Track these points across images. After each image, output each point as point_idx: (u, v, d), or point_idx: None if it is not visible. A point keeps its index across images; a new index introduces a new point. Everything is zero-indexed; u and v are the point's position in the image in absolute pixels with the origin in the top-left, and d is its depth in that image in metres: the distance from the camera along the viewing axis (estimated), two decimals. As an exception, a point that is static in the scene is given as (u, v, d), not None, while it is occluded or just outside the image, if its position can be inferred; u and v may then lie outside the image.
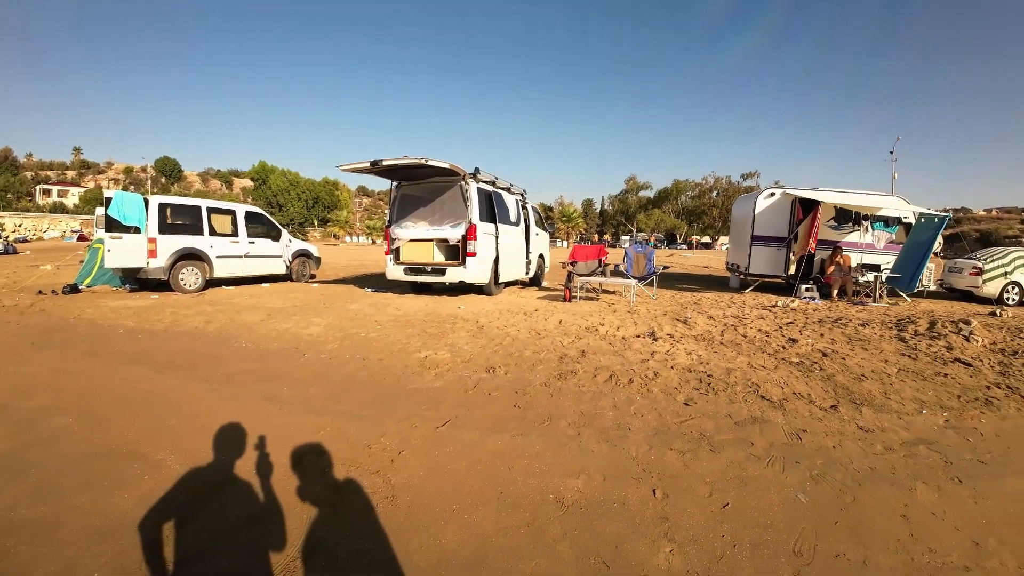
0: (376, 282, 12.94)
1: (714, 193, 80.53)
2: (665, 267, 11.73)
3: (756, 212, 12.49)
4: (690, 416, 3.84)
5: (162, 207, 10.14)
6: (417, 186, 10.38)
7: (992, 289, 12.00)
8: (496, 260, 10.12)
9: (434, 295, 10.31)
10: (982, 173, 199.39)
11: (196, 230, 10.61)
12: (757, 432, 3.59)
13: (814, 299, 10.72)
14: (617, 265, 11.81)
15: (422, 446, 3.25)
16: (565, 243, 69.90)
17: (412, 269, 9.99)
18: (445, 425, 3.58)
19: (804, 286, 11.04)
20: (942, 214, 11.69)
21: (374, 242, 69.29)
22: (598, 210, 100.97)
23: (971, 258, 13.14)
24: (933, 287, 13.42)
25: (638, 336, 6.41)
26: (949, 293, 13.39)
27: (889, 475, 3.09)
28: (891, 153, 22.95)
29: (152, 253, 9.85)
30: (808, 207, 11.65)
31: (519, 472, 2.93)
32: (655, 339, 6.20)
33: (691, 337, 6.44)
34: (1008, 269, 12.01)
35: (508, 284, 11.90)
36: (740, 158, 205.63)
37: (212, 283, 11.05)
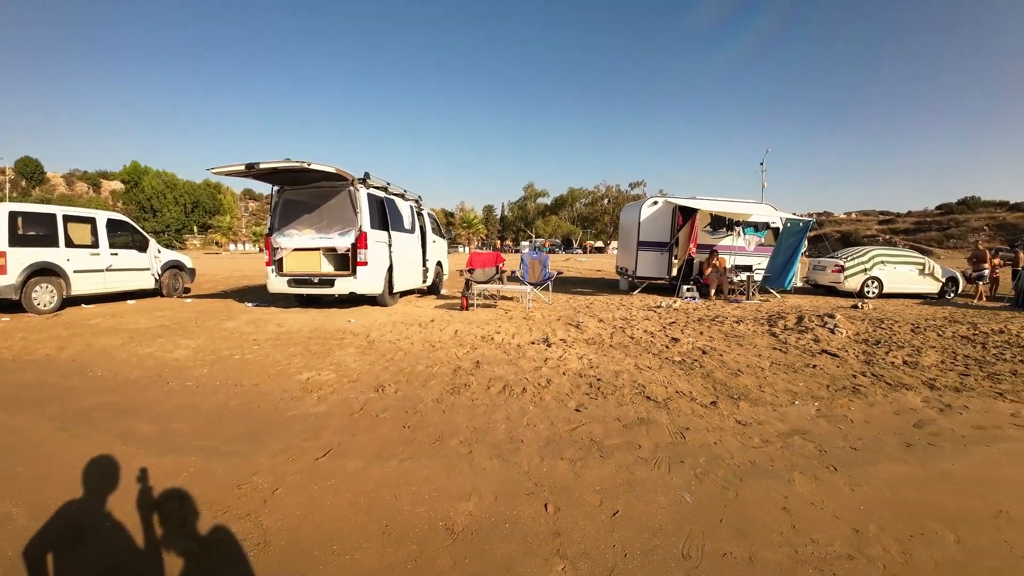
0: (258, 296, 12.06)
1: (605, 201, 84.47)
2: (559, 272, 12.02)
3: (641, 219, 13.19)
4: (581, 422, 3.88)
5: (12, 216, 8.74)
6: (301, 191, 9.77)
7: (853, 284, 13.61)
8: (390, 269, 9.78)
9: (323, 308, 9.76)
10: (842, 179, 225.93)
11: (51, 241, 9.24)
12: (644, 433, 3.71)
13: (694, 299, 11.53)
14: (514, 271, 11.91)
15: (299, 481, 3.00)
16: (467, 249, 70.02)
17: (297, 281, 9.38)
18: (326, 455, 3.34)
19: (685, 287, 11.89)
20: (806, 219, 13.05)
21: (261, 250, 65.21)
22: (499, 216, 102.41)
23: (833, 257, 14.86)
24: (800, 284, 14.83)
25: (533, 343, 6.47)
26: (814, 289, 14.89)
27: (768, 468, 3.27)
28: (761, 164, 25.22)
29: (1, 269, 8.50)
30: (687, 214, 12.51)
31: (407, 501, 2.77)
32: (549, 345, 6.29)
33: (583, 341, 6.61)
34: (867, 266, 13.69)
35: (404, 293, 11.58)
36: (629, 167, 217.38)
37: (70, 301, 9.71)
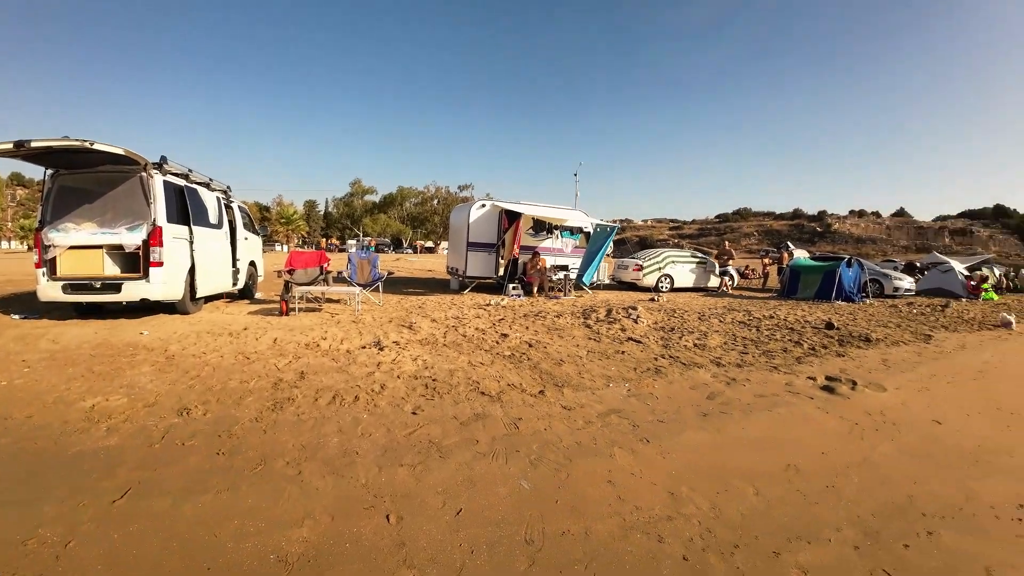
0: (27, 305, 9.75)
1: (435, 201, 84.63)
2: (390, 272, 11.74)
3: (470, 221, 13.52)
4: (419, 425, 3.85)
5: None
6: (81, 176, 8.08)
7: (650, 280, 15.78)
8: (191, 270, 8.52)
9: (109, 319, 8.19)
10: (640, 189, 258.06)
11: None
12: (481, 428, 3.81)
13: (519, 296, 12.17)
14: (340, 272, 11.35)
15: (96, 530, 2.51)
16: (285, 248, 64.72)
17: (75, 286, 7.71)
18: (125, 496, 2.83)
19: (511, 286, 12.53)
20: (612, 224, 14.71)
21: (30, 248, 53.38)
22: (322, 212, 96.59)
23: (634, 257, 17.07)
24: (607, 280, 16.50)
25: (364, 347, 6.23)
26: (619, 285, 16.69)
27: (592, 446, 3.58)
28: (575, 175, 27.26)
29: None
30: (512, 218, 13.15)
31: (229, 537, 2.47)
32: (381, 348, 6.11)
33: (416, 342, 6.56)
34: (661, 265, 16.05)
35: (211, 298, 10.29)
36: (458, 169, 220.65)
37: None
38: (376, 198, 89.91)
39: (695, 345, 7.03)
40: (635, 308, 9.14)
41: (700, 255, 18.03)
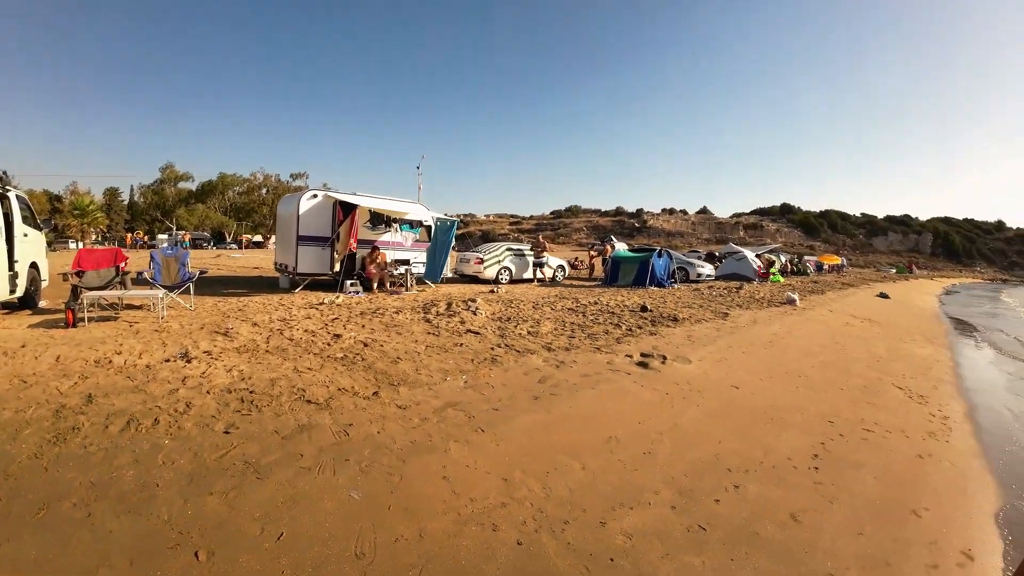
0: None
1: (263, 190, 77.43)
2: (203, 271, 10.43)
3: (300, 212, 12.56)
4: (232, 445, 3.41)
5: None
6: None
7: (491, 273, 16.20)
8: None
9: None
10: (483, 185, 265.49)
11: None
12: (306, 440, 3.50)
13: (358, 292, 11.64)
14: (142, 272, 9.86)
15: None
16: (82, 244, 54.53)
17: None
18: None
19: (349, 282, 11.90)
20: (453, 219, 14.70)
21: None
22: (126, 202, 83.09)
23: (475, 251, 17.35)
24: (450, 274, 16.54)
25: (168, 360, 5.37)
26: (462, 278, 16.84)
27: (427, 443, 3.49)
28: (418, 168, 26.88)
29: None
30: (348, 210, 12.47)
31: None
32: (189, 360, 5.32)
33: (232, 350, 5.82)
34: (500, 258, 16.60)
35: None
36: (290, 157, 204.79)
37: None
38: (193, 185, 79.56)
39: (529, 333, 7.30)
40: (474, 300, 9.26)
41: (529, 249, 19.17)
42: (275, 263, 14.88)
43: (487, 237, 64.10)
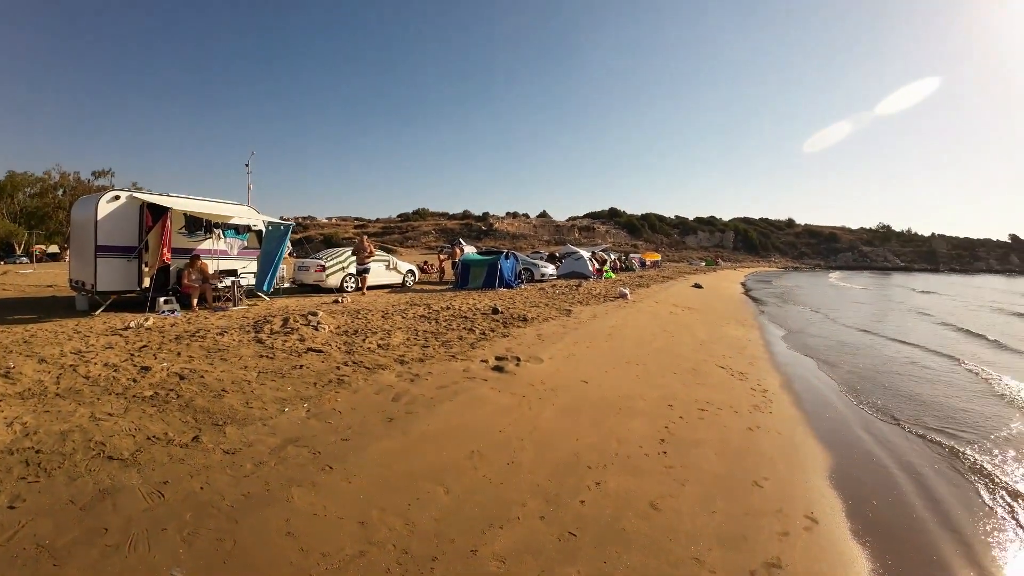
0: None
1: (60, 192, 65.11)
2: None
3: (99, 217, 10.54)
4: (20, 524, 2.63)
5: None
6: None
7: (335, 281, 15.06)
8: None
9: None
10: (324, 187, 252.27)
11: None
12: (110, 509, 2.80)
13: (174, 311, 10.07)
14: None
15: None
16: None
17: None
18: None
19: (163, 299, 10.22)
20: (287, 222, 13.32)
21: None
22: None
23: (316, 257, 15.97)
24: (287, 284, 15.15)
25: None
26: (301, 288, 15.49)
27: (264, 495, 2.96)
28: (247, 166, 24.41)
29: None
30: (158, 213, 10.77)
31: None
32: None
33: (14, 396, 4.58)
34: (344, 264, 15.45)
35: None
36: (91, 153, 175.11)
37: None
38: None
39: (379, 346, 6.84)
40: (315, 313, 8.47)
41: (384, 253, 18.34)
42: (70, 280, 12.38)
43: (329, 242, 60.74)
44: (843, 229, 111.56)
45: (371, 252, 15.28)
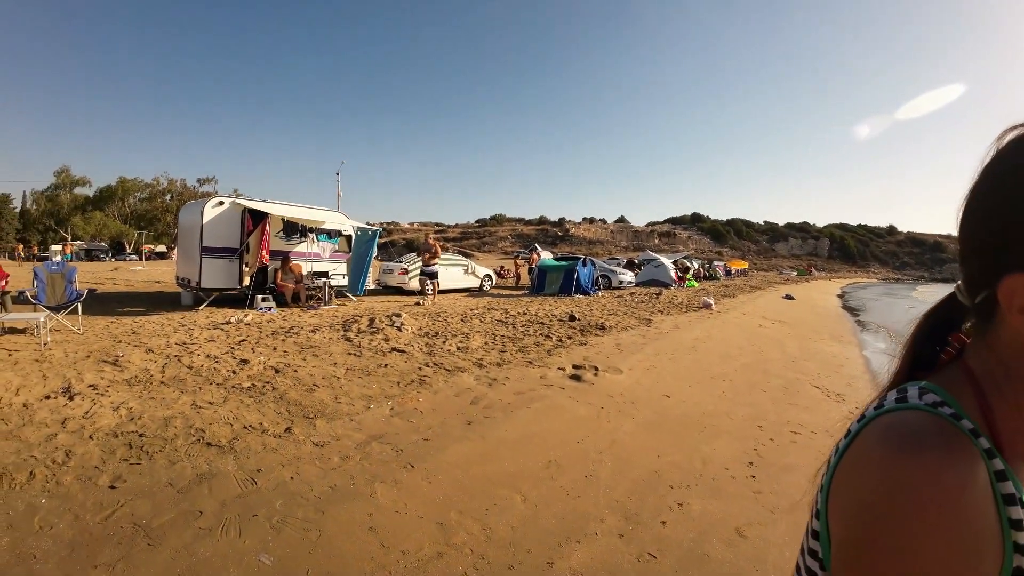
0: None
1: (168, 196, 71.68)
2: (92, 290, 9.34)
3: (204, 221, 11.54)
4: (119, 504, 2.85)
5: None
6: None
7: (416, 284, 15.46)
8: None
9: None
10: (407, 193, 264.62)
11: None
12: (206, 493, 2.98)
13: (271, 308, 10.79)
14: (22, 292, 8.67)
15: None
16: None
17: None
18: None
19: (260, 296, 11.00)
20: (375, 228, 14.05)
21: None
22: (17, 210, 73.80)
23: (400, 261, 16.65)
24: (373, 286, 15.84)
25: (48, 397, 4.57)
26: (385, 290, 16.18)
27: (350, 488, 3.07)
28: (337, 175, 25.82)
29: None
30: (258, 218, 11.60)
31: None
32: (71, 397, 4.56)
33: (122, 383, 5.05)
34: None
35: None
36: (198, 161, 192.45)
37: None
38: (90, 191, 72.21)
39: (458, 348, 6.96)
40: (399, 315, 8.77)
41: (462, 258, 18.83)
42: (177, 277, 13.62)
43: (411, 246, 62.87)
44: (950, 238, 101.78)
45: (437, 252, 13.46)
